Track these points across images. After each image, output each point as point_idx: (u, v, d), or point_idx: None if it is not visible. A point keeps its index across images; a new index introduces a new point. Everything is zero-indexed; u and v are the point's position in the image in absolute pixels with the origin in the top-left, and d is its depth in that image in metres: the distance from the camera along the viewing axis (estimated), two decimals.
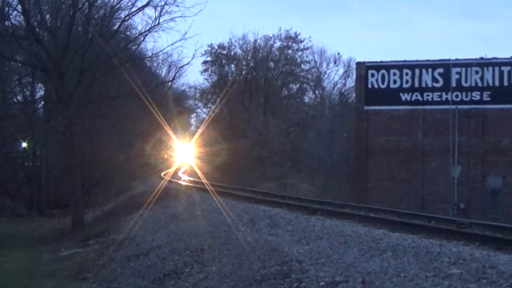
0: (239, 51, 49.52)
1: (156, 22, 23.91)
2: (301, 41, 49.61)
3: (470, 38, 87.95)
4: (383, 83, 29.13)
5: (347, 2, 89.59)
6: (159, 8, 23.64)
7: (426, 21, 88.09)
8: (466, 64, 28.16)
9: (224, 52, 49.34)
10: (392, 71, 29.08)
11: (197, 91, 52.19)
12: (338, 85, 53.15)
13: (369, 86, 29.27)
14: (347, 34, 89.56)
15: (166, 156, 40.95)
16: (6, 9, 24.13)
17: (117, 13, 26.02)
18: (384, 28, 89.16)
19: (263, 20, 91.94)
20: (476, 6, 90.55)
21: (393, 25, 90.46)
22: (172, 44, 27.50)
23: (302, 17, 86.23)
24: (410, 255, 7.97)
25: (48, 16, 25.87)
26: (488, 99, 27.83)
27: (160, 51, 28.20)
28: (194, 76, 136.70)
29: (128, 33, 27.57)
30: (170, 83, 32.79)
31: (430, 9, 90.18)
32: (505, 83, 27.67)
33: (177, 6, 23.71)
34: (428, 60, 28.97)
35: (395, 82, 29.05)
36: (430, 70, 28.62)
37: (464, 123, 27.74)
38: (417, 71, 28.76)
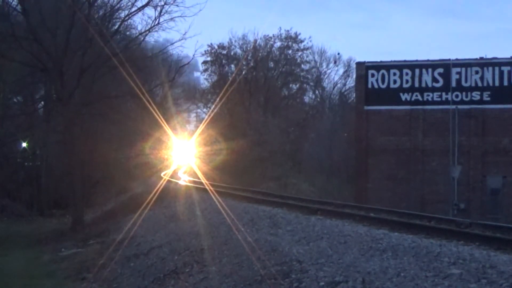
0: (239, 51, 49.53)
1: (156, 22, 23.98)
2: (301, 41, 49.65)
3: (469, 39, 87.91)
4: (383, 83, 29.15)
5: (334, 1, 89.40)
6: (159, 8, 23.72)
7: (417, 21, 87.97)
8: (466, 64, 28.20)
9: (224, 52, 49.33)
10: (392, 71, 29.11)
11: (197, 91, 52.15)
12: (338, 85, 53.13)
13: (369, 86, 29.29)
14: (346, 33, 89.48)
15: (165, 156, 40.96)
16: (6, 9, 24.08)
17: (117, 13, 26.07)
18: (376, 28, 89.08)
19: (263, 20, 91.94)
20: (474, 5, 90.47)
21: (382, 25, 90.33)
22: (172, 44, 27.43)
23: (301, 16, 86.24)
24: (410, 255, 7.97)
25: (48, 16, 25.83)
26: (488, 99, 27.85)
27: (160, 51, 28.20)
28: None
29: (128, 33, 27.61)
30: (170, 83, 32.75)
31: (417, 8, 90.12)
32: (505, 83, 27.70)
33: (177, 6, 23.76)
34: (428, 60, 29.00)
35: (395, 82, 29.07)
36: (430, 70, 28.65)
37: (464, 123, 27.76)
38: (417, 71, 28.79)
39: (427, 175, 28.30)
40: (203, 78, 52.60)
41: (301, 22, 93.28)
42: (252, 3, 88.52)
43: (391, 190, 28.24)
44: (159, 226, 16.11)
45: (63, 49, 23.04)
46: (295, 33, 49.23)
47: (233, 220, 12.81)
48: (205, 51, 46.74)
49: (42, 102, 35.03)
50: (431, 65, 28.75)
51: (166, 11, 23.71)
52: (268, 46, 49.44)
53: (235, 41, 48.94)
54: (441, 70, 28.48)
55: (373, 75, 29.22)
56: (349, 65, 50.94)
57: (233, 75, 46.35)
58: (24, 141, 31.46)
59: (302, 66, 51.38)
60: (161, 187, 23.34)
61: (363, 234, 9.79)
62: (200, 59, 47.76)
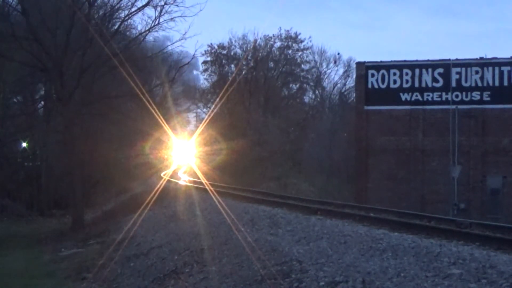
0: (239, 51, 49.54)
1: (156, 22, 24.01)
2: (301, 41, 49.68)
3: (469, 39, 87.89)
4: (383, 83, 29.14)
5: (334, 1, 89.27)
6: (159, 8, 23.75)
7: (417, 21, 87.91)
8: (466, 64, 28.19)
9: (224, 52, 49.34)
10: (392, 71, 29.10)
11: (197, 91, 52.17)
12: (338, 85, 53.14)
13: (369, 86, 29.28)
14: (345, 33, 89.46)
15: (165, 156, 41.01)
16: (6, 9, 24.08)
17: (117, 13, 26.09)
18: (376, 28, 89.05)
19: (263, 20, 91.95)
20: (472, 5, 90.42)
21: (382, 25, 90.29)
22: (172, 43, 27.44)
23: (301, 16, 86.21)
24: (410, 255, 7.97)
25: (48, 16, 25.83)
26: (488, 99, 27.84)
27: (160, 51, 28.21)
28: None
29: (128, 33, 27.61)
30: (170, 83, 32.81)
31: (417, 8, 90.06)
32: (505, 83, 27.69)
33: (177, 6, 23.78)
34: (428, 60, 28.99)
35: (395, 82, 29.06)
36: (430, 70, 28.64)
37: (464, 123, 27.76)
38: (417, 71, 28.78)
39: (427, 175, 28.29)
40: (203, 78, 52.63)
41: (301, 22, 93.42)
42: (252, 3, 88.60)
43: (391, 190, 28.23)
44: (159, 226, 16.11)
45: (63, 49, 23.05)
46: (295, 33, 49.30)
47: (233, 220, 12.81)
48: (205, 51, 46.85)
49: (42, 102, 35.05)
50: (431, 65, 28.74)
51: (166, 11, 23.77)
52: (268, 46, 49.50)
53: (235, 41, 48.99)
54: (441, 70, 28.47)
55: (373, 75, 29.22)
56: (349, 65, 50.99)
57: (233, 75, 46.37)
58: (24, 141, 31.48)
59: (302, 66, 51.43)
60: (161, 187, 23.35)
61: (363, 234, 9.79)
62: (200, 59, 47.81)
